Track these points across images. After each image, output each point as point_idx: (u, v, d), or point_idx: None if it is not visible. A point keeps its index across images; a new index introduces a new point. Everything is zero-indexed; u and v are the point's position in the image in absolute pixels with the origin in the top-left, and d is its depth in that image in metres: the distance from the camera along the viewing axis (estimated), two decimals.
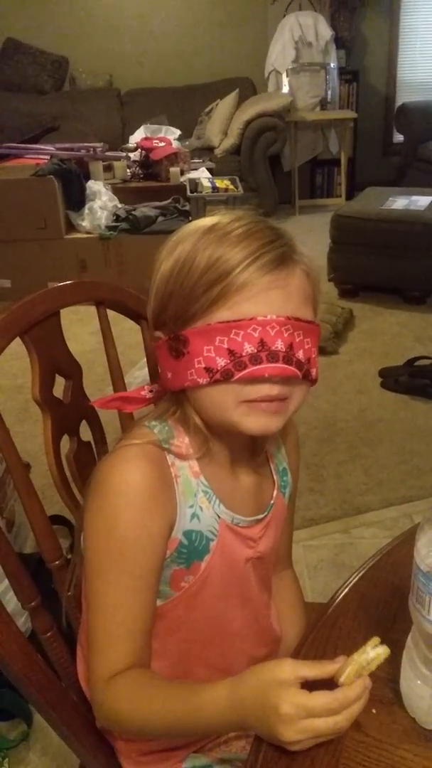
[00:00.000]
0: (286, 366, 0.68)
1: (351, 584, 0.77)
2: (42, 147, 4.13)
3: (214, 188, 3.59)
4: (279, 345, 0.67)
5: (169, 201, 3.73)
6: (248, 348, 0.67)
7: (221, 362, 0.68)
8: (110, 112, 5.22)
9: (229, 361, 0.67)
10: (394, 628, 0.68)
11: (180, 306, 0.70)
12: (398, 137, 5.40)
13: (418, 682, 0.59)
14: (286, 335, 0.68)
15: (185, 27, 5.41)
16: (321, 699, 0.56)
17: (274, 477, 0.86)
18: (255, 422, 0.71)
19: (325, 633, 0.69)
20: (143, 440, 0.73)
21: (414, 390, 2.68)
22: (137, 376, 2.36)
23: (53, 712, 0.83)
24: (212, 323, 0.68)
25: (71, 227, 3.70)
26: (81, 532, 0.83)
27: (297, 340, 0.69)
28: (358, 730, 0.56)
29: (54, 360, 0.91)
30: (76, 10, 5.34)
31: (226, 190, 3.59)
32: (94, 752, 0.87)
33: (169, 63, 5.41)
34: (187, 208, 3.65)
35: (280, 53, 5.04)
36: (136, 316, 1.04)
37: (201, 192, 3.56)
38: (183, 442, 0.75)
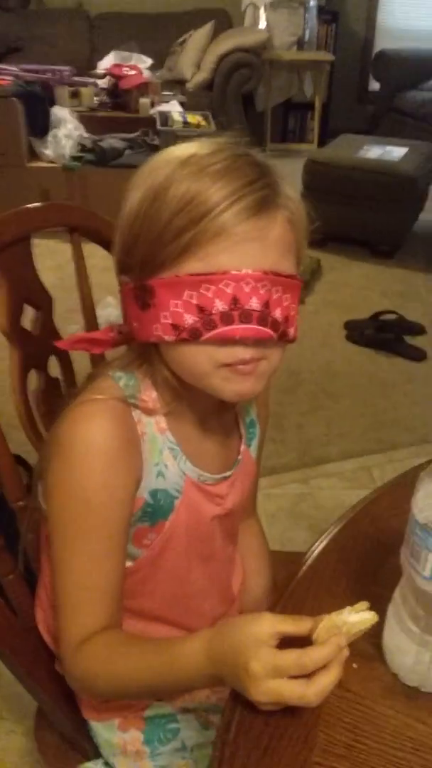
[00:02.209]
0: (260, 327, 0.62)
1: (330, 536, 0.75)
2: (4, 67, 3.89)
3: (186, 123, 3.46)
4: (254, 303, 0.61)
5: (137, 133, 3.58)
6: (219, 305, 0.60)
7: (189, 319, 0.61)
8: (78, 35, 4.94)
9: (198, 319, 0.61)
10: (375, 581, 0.66)
11: (147, 251, 0.62)
12: (374, 85, 5.27)
13: (404, 637, 0.57)
14: (262, 292, 0.61)
15: None
16: (289, 656, 0.53)
17: (241, 430, 0.83)
18: (233, 388, 0.65)
19: (305, 585, 0.67)
20: (107, 395, 0.68)
21: (378, 344, 2.67)
22: (100, 315, 2.29)
23: (14, 656, 0.80)
24: (181, 275, 0.61)
25: (34, 155, 3.53)
26: (39, 476, 0.79)
27: (274, 297, 0.62)
28: (339, 686, 0.54)
29: (24, 288, 0.85)
30: None
31: (198, 126, 3.46)
32: (55, 697, 0.85)
33: None
34: (157, 142, 3.51)
35: None
36: (110, 246, 0.98)
37: (171, 126, 3.42)
38: (150, 396, 0.70)
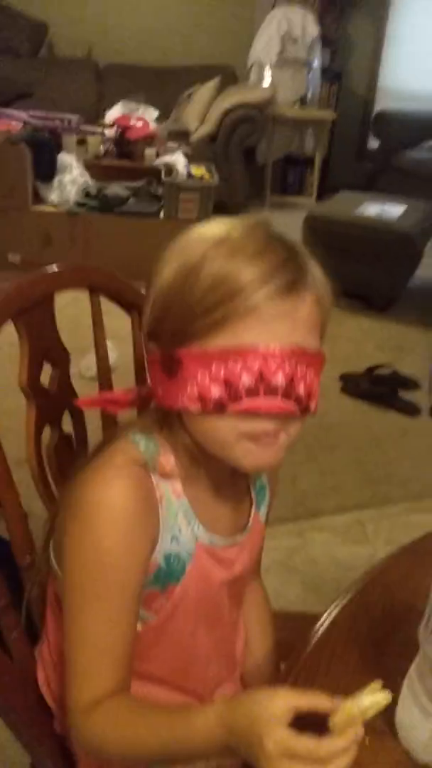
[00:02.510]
0: (284, 403, 0.64)
1: (341, 605, 0.76)
2: (14, 112, 3.99)
3: (189, 175, 3.54)
4: (279, 379, 0.63)
5: (142, 183, 3.66)
6: (246, 380, 0.63)
7: (215, 392, 0.63)
8: (87, 84, 5.08)
9: (224, 392, 0.63)
10: (387, 652, 0.67)
11: (178, 322, 0.65)
12: (373, 143, 5.42)
13: (418, 714, 0.58)
14: (287, 368, 0.63)
15: (171, 6, 5.31)
16: (306, 743, 0.53)
17: (252, 494, 0.84)
18: (253, 460, 0.68)
19: (316, 655, 0.68)
20: (128, 458, 0.69)
21: (373, 397, 2.71)
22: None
23: (13, 712, 0.80)
24: (210, 348, 0.63)
25: (38, 199, 3.59)
26: (52, 534, 0.79)
27: (299, 373, 0.64)
28: None
29: (44, 345, 0.87)
30: None
31: (202, 178, 3.54)
32: (52, 756, 0.84)
33: (151, 41, 5.30)
34: (160, 192, 3.59)
35: (265, 45, 5.00)
36: (129, 306, 1.01)
37: (176, 177, 3.50)
38: (168, 461, 0.72)
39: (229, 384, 0.63)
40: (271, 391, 0.63)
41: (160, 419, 0.72)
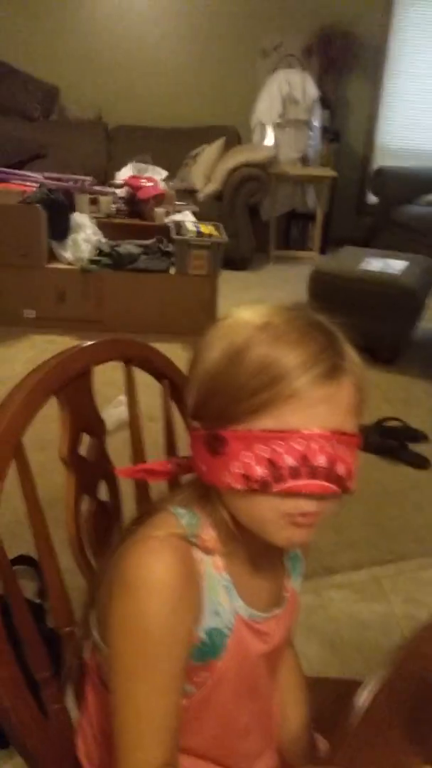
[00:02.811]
0: (326, 483, 0.66)
1: (380, 679, 0.76)
2: (30, 174, 4.12)
3: (199, 233, 3.63)
4: (321, 460, 0.66)
5: (153, 240, 3.76)
6: (289, 461, 0.65)
7: (260, 472, 0.66)
8: (97, 145, 5.25)
9: (268, 472, 0.66)
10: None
11: (223, 405, 0.68)
12: (372, 198, 5.57)
13: None
14: (329, 450, 0.66)
15: (177, 70, 5.52)
16: None
17: (286, 565, 0.86)
18: (289, 537, 0.70)
19: (359, 732, 0.68)
20: (171, 532, 0.71)
21: (383, 451, 2.73)
22: (111, 414, 2.34)
23: None
24: (254, 430, 0.66)
25: (53, 257, 3.68)
26: (92, 606, 0.81)
27: (339, 454, 0.67)
28: None
29: (83, 417, 0.90)
30: (70, 42, 5.40)
31: (210, 235, 3.63)
32: None
33: (158, 103, 5.50)
34: (171, 249, 3.68)
35: (267, 107, 5.18)
36: (160, 376, 1.04)
37: (186, 235, 3.59)
38: (209, 535, 0.74)
39: (273, 464, 0.66)
40: (314, 472, 0.66)
41: (202, 494, 0.75)
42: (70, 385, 0.87)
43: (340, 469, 0.68)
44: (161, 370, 1.04)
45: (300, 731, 0.91)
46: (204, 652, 0.74)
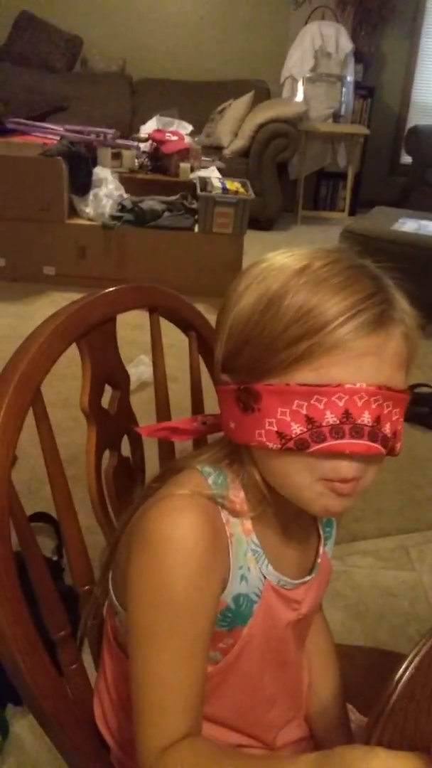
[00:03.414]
0: (371, 443, 0.60)
1: (422, 653, 0.71)
2: (51, 126, 4.02)
3: (225, 189, 3.52)
4: (366, 418, 0.59)
5: (177, 197, 3.66)
6: (330, 418, 0.59)
7: (297, 429, 0.60)
8: (120, 98, 5.12)
9: (305, 430, 0.60)
10: None
11: (257, 355, 0.62)
12: (406, 158, 5.39)
13: None
14: (374, 407, 0.59)
15: (204, 21, 5.34)
16: None
17: (320, 530, 0.80)
18: (326, 506, 0.64)
19: (402, 706, 0.63)
20: (197, 489, 0.66)
21: (414, 418, 2.65)
22: (132, 374, 2.30)
23: (70, 744, 0.76)
24: (292, 384, 0.59)
25: (73, 212, 3.60)
26: (111, 565, 0.76)
27: (385, 411, 0.60)
28: None
29: (105, 368, 0.84)
30: None
31: (237, 192, 3.52)
32: None
33: (184, 56, 5.33)
34: (195, 206, 3.58)
35: (298, 60, 5.00)
36: (187, 327, 0.98)
37: (211, 192, 3.49)
38: (238, 496, 0.68)
39: (311, 421, 0.60)
40: (357, 431, 0.59)
41: (231, 453, 0.69)
42: (91, 332, 0.81)
43: (387, 428, 0.61)
44: (188, 321, 0.97)
45: (330, 701, 0.86)
46: (230, 618, 0.69)
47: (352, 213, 5.24)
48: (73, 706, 0.75)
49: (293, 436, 0.60)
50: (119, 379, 0.88)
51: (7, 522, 0.67)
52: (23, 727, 1.44)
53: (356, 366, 0.59)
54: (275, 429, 0.61)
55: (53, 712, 0.70)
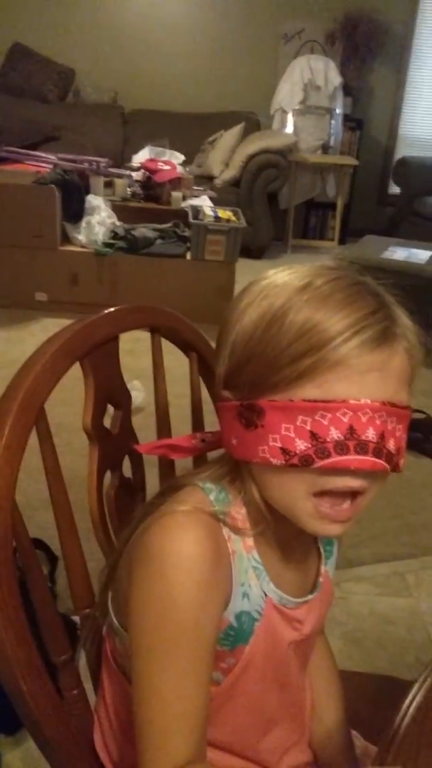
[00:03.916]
0: (376, 459, 0.60)
1: (430, 681, 0.70)
2: (44, 155, 4.06)
3: (217, 217, 3.56)
4: (370, 434, 0.59)
5: (169, 225, 3.68)
6: (334, 434, 0.59)
7: (301, 445, 0.60)
8: (112, 128, 5.18)
9: (310, 446, 0.59)
10: None
11: (260, 372, 0.61)
12: (394, 189, 5.48)
13: None
14: (378, 423, 0.59)
15: (195, 54, 5.44)
16: None
17: (320, 549, 0.80)
18: (320, 528, 0.64)
19: (415, 730, 0.62)
20: (199, 506, 0.65)
21: (408, 444, 2.64)
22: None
23: None
24: (296, 400, 0.59)
25: (66, 239, 3.61)
26: (110, 585, 0.75)
27: (389, 428, 0.61)
28: None
29: (108, 387, 0.84)
30: (86, 23, 5.32)
31: (228, 221, 3.56)
32: None
33: (176, 87, 5.41)
34: (187, 233, 3.61)
35: (288, 93, 5.09)
36: (187, 347, 0.98)
37: (203, 220, 3.52)
38: (239, 513, 0.68)
39: (316, 437, 0.59)
40: (362, 447, 0.59)
41: (232, 470, 0.69)
42: (94, 351, 0.81)
43: (391, 444, 0.61)
44: (189, 342, 0.97)
45: (334, 725, 0.84)
46: (232, 637, 0.68)
47: (341, 242, 5.30)
48: (74, 731, 0.73)
49: (297, 452, 0.60)
50: (121, 398, 0.87)
51: (10, 544, 0.65)
52: (15, 757, 1.40)
53: (360, 382, 0.59)
54: (279, 445, 0.61)
55: (55, 737, 0.69)
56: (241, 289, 0.68)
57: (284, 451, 0.60)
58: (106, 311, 0.84)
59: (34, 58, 5.23)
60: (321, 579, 0.78)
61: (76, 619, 0.82)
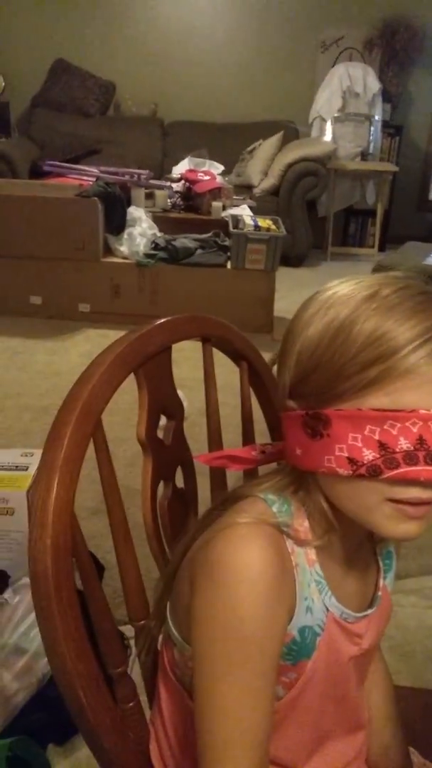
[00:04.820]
0: None
1: None
2: (86, 168, 4.12)
3: (257, 227, 3.56)
4: None
5: (209, 234, 3.70)
6: (404, 444, 0.58)
7: (369, 455, 0.59)
8: (152, 141, 5.24)
9: (378, 456, 0.59)
10: None
11: (326, 381, 0.61)
12: None
13: None
14: None
15: (234, 64, 5.48)
16: None
17: (379, 563, 0.78)
18: (398, 529, 0.62)
19: None
20: (261, 518, 0.64)
21: None
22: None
23: None
24: (364, 409, 0.59)
25: (108, 251, 3.66)
26: (168, 596, 0.75)
27: None
28: None
29: (161, 397, 0.84)
30: (127, 37, 5.40)
31: (268, 229, 3.55)
32: None
33: (215, 99, 5.46)
34: (228, 243, 3.62)
35: (326, 101, 5.08)
36: (238, 357, 0.98)
37: (243, 229, 3.53)
38: (302, 525, 0.67)
39: (384, 447, 0.59)
40: (431, 457, 0.58)
41: (295, 481, 0.68)
42: (148, 362, 0.81)
43: None
44: (240, 351, 0.97)
45: (391, 741, 0.83)
46: (295, 651, 0.67)
47: (381, 249, 5.26)
48: (131, 743, 0.73)
49: (365, 462, 0.59)
50: (174, 408, 0.87)
51: (70, 556, 0.66)
52: (64, 767, 1.41)
53: (430, 392, 0.58)
54: (346, 455, 0.60)
55: (113, 749, 0.68)
56: (305, 300, 0.68)
57: (351, 461, 0.60)
58: (159, 321, 0.84)
59: (76, 72, 5.33)
60: (380, 593, 0.76)
61: (123, 629, 0.81)
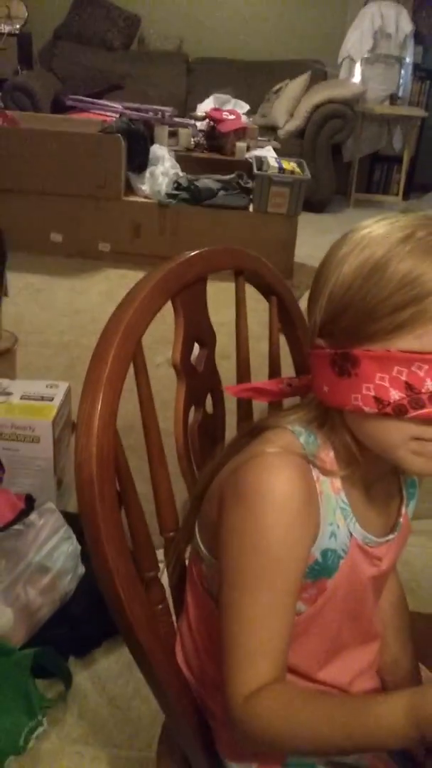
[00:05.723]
0: None
1: None
2: (110, 104, 4.05)
3: (281, 169, 3.52)
4: None
5: (232, 176, 3.66)
6: (430, 385, 0.59)
7: (395, 395, 0.61)
8: (176, 77, 5.13)
9: (404, 396, 0.60)
10: None
11: (357, 321, 0.62)
12: None
13: None
14: None
15: (262, 1, 5.30)
16: None
17: (403, 492, 0.82)
18: (421, 466, 0.64)
19: None
20: (289, 449, 0.68)
21: None
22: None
23: (164, 686, 0.80)
24: (393, 350, 0.60)
25: (130, 189, 3.63)
26: (196, 513, 0.80)
27: None
28: None
29: (196, 326, 0.88)
30: None
31: (293, 172, 3.51)
32: (194, 735, 0.84)
33: (241, 35, 5.31)
34: (250, 185, 3.58)
35: (357, 41, 4.94)
36: (269, 292, 1.00)
37: (267, 171, 3.49)
38: (328, 456, 0.70)
39: (411, 388, 0.61)
40: None
41: (321, 415, 0.71)
42: (185, 290, 0.84)
43: None
44: (271, 286, 0.99)
45: (401, 653, 0.89)
46: (317, 571, 0.71)
47: (406, 197, 5.18)
48: (162, 640, 0.79)
49: (391, 401, 0.61)
50: (207, 338, 0.91)
51: (113, 465, 0.70)
52: (85, 678, 1.50)
53: None
54: (372, 394, 0.62)
55: (146, 642, 0.74)
56: (337, 239, 0.68)
57: (378, 400, 0.62)
58: (196, 251, 0.87)
59: (101, 3, 5.19)
60: (401, 520, 0.81)
61: None
